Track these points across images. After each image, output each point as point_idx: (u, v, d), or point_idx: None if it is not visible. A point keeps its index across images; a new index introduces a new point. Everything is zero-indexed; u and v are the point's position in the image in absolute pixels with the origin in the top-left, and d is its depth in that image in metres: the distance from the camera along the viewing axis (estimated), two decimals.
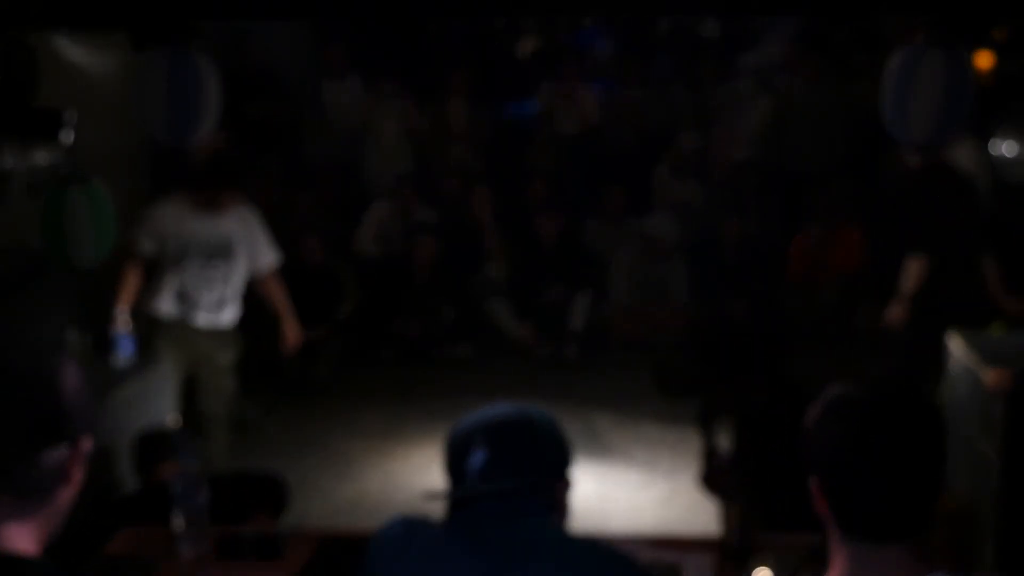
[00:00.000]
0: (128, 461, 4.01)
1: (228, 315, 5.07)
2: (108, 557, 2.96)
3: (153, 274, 5.03)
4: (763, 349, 3.34)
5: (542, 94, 8.68)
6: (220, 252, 5.01)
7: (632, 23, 9.44)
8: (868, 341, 6.17)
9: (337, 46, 8.41)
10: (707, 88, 8.63)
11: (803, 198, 7.66)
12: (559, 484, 1.99)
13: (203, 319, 5.01)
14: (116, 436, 4.24)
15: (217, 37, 7.02)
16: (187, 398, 5.09)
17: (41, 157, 3.97)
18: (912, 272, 5.14)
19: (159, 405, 4.76)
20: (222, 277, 5.03)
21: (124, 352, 4.64)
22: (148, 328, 4.95)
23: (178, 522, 2.93)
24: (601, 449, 5.99)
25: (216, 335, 5.07)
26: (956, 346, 4.42)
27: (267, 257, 5.21)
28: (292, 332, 5.33)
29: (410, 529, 1.99)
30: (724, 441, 3.40)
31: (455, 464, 1.94)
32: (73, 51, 5.47)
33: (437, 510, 2.01)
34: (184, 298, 4.99)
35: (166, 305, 4.98)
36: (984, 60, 5.26)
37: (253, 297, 6.64)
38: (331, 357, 7.09)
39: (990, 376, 4.01)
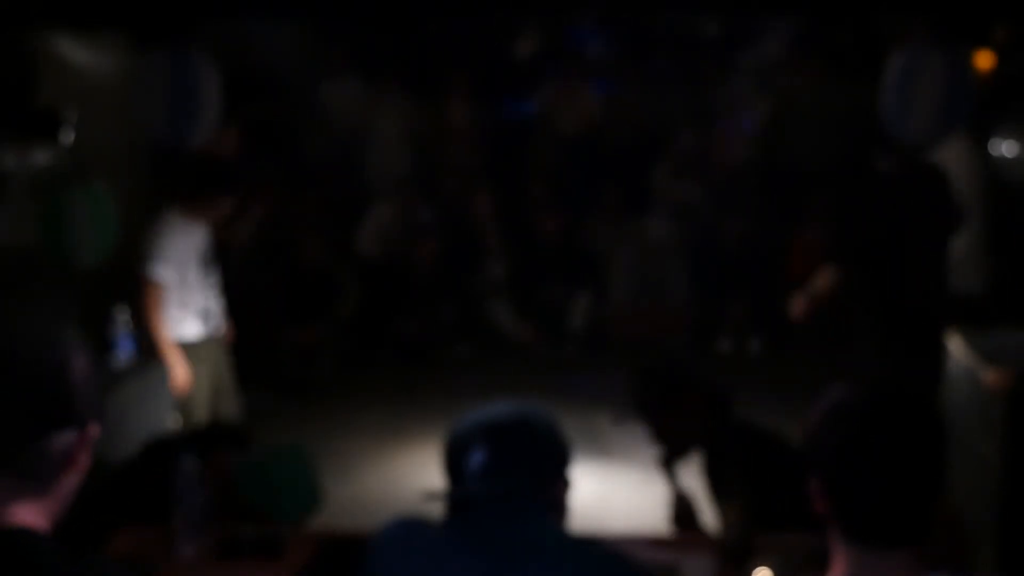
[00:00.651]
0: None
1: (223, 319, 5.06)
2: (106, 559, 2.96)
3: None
4: (703, 392, 3.33)
5: (542, 94, 8.68)
6: (210, 259, 4.95)
7: (631, 23, 9.44)
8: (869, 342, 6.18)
9: (337, 51, 8.42)
10: (707, 88, 8.63)
11: (803, 198, 7.66)
12: (558, 484, 1.99)
13: (216, 329, 4.99)
14: (116, 436, 4.24)
15: (217, 38, 7.02)
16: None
17: (41, 157, 3.98)
18: (825, 276, 5.07)
19: (159, 405, 4.75)
20: (215, 283, 5.00)
21: (124, 352, 4.64)
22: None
23: (178, 522, 2.93)
24: (601, 449, 5.99)
25: (221, 341, 5.06)
26: (956, 346, 4.42)
27: None
28: None
29: (410, 529, 1.99)
30: (687, 480, 3.43)
31: (454, 464, 1.94)
32: (73, 51, 5.47)
33: (437, 510, 2.02)
34: (205, 314, 4.91)
35: (193, 328, 4.85)
36: (984, 60, 5.27)
37: (253, 297, 6.66)
38: (331, 357, 7.09)
39: (990, 376, 4.01)
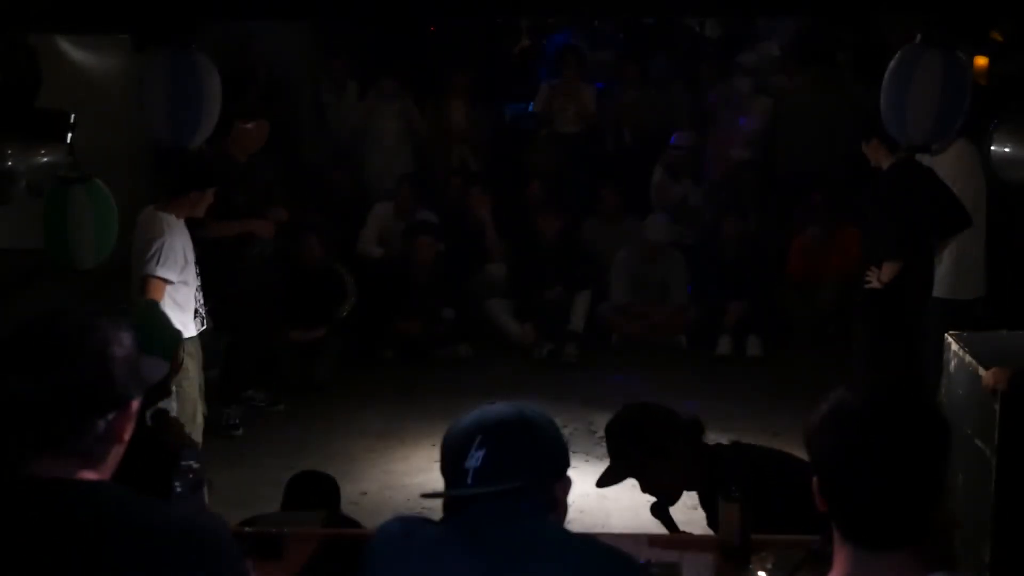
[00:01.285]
0: None
1: None
2: None
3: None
4: (681, 442, 3.32)
5: (541, 93, 8.69)
6: (194, 256, 5.01)
7: (631, 23, 9.45)
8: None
9: (337, 52, 8.43)
10: (706, 88, 8.64)
11: (803, 198, 7.67)
12: (557, 483, 1.99)
13: (202, 325, 5.05)
14: None
15: (218, 38, 7.03)
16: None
17: (43, 157, 3.99)
18: (886, 270, 5.27)
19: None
20: (200, 280, 5.06)
21: None
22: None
23: None
24: (601, 449, 5.98)
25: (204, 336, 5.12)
26: (955, 345, 4.42)
27: None
28: None
29: (409, 529, 1.99)
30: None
31: (453, 464, 1.95)
32: (75, 52, 5.48)
33: (437, 510, 2.02)
34: (198, 313, 5.00)
35: (192, 326, 4.94)
36: (982, 61, 5.27)
37: (253, 298, 6.66)
38: (331, 357, 7.10)
39: (987, 375, 4.02)
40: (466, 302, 7.68)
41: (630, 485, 5.58)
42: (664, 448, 3.24)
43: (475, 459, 1.91)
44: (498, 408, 1.99)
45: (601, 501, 5.31)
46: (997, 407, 3.93)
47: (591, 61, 9.02)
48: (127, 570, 1.64)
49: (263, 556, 2.94)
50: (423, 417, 6.23)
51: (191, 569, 1.67)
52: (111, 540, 1.65)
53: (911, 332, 5.32)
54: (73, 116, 3.81)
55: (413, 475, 5.60)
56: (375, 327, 7.46)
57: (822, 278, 7.50)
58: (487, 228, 7.93)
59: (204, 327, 5.10)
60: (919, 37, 3.65)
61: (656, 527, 3.60)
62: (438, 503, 2.01)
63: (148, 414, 3.73)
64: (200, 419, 4.87)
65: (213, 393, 5.61)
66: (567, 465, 2.02)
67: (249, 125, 6.18)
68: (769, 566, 2.75)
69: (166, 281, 4.76)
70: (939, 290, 5.44)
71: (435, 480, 1.99)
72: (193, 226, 5.08)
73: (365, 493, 5.47)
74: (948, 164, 5.35)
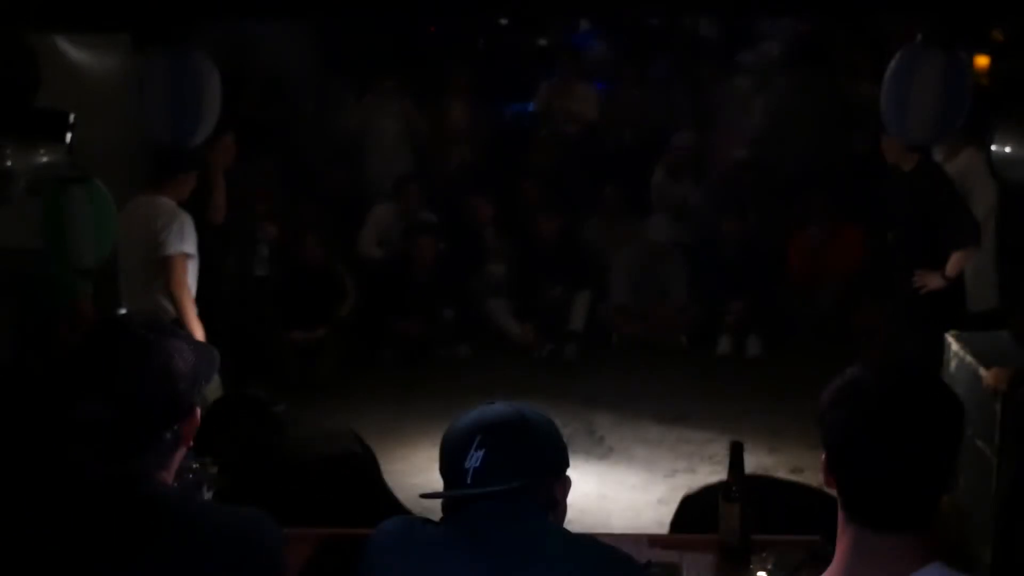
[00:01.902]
0: None
1: None
2: None
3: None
4: None
5: (540, 93, 8.68)
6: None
7: (630, 23, 9.44)
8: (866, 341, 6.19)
9: (337, 52, 8.44)
10: (706, 87, 8.64)
11: (802, 198, 7.66)
12: (557, 483, 1.99)
13: None
14: None
15: (218, 39, 7.03)
16: None
17: (42, 157, 3.98)
18: (957, 259, 5.08)
19: None
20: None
21: None
22: None
23: None
24: (601, 449, 6.00)
25: None
26: (955, 345, 4.43)
27: None
28: None
29: (409, 529, 1.99)
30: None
31: (452, 464, 1.94)
32: (74, 52, 5.47)
33: (437, 510, 2.02)
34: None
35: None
36: (982, 61, 5.27)
37: (255, 299, 6.66)
38: (331, 357, 7.10)
39: (988, 375, 4.02)
40: (466, 302, 7.68)
41: (630, 485, 5.60)
42: None
43: (474, 459, 1.91)
44: (497, 408, 1.99)
45: (601, 501, 5.32)
46: (997, 407, 3.94)
47: (591, 61, 9.02)
48: (182, 566, 1.75)
49: None
50: (423, 417, 6.23)
51: (237, 568, 1.78)
52: (171, 540, 1.76)
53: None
54: (72, 116, 3.80)
55: (413, 475, 5.60)
56: (375, 327, 7.46)
57: (822, 278, 7.50)
58: (487, 228, 7.93)
59: None
60: (919, 37, 3.65)
61: (656, 527, 3.59)
62: (438, 503, 2.01)
63: None
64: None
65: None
66: (567, 465, 2.02)
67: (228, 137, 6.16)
68: (769, 566, 2.74)
69: (189, 256, 4.96)
70: None
71: (435, 480, 1.99)
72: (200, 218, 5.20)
73: None
74: (958, 172, 5.31)
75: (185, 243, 4.92)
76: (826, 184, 7.55)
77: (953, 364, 4.41)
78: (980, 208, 5.31)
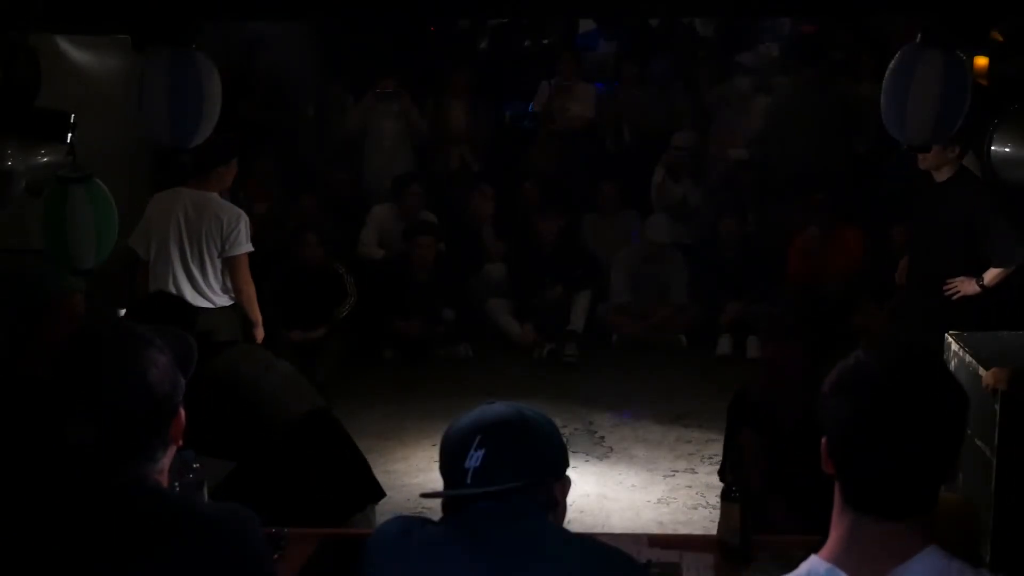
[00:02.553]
0: None
1: None
2: None
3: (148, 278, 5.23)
4: None
5: (541, 93, 8.69)
6: None
7: (630, 23, 9.44)
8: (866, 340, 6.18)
9: (337, 52, 8.44)
10: (705, 87, 8.64)
11: (802, 198, 7.67)
12: (557, 483, 1.99)
13: None
14: None
15: (219, 40, 7.03)
16: None
17: (43, 157, 3.98)
18: (997, 273, 5.02)
19: None
20: None
21: None
22: None
23: None
24: (601, 449, 6.00)
25: None
26: (955, 345, 4.43)
27: None
28: None
29: (409, 529, 1.99)
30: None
31: (452, 464, 1.95)
32: (75, 52, 5.48)
33: (436, 510, 2.02)
34: None
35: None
36: (982, 61, 5.26)
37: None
38: (331, 357, 7.10)
39: (987, 375, 4.02)
40: (466, 302, 7.68)
41: (630, 485, 5.61)
42: None
43: (474, 459, 1.91)
44: (497, 408, 1.99)
45: (601, 501, 5.32)
46: (997, 407, 3.94)
47: (590, 61, 9.03)
48: (175, 558, 1.79)
49: None
50: (423, 417, 6.24)
51: (222, 556, 1.82)
52: (163, 540, 1.80)
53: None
54: (73, 116, 3.80)
55: (413, 475, 5.60)
56: (375, 327, 7.46)
57: (822, 278, 7.50)
58: (487, 228, 7.93)
59: None
60: (919, 37, 3.65)
61: (656, 527, 3.60)
62: (438, 503, 2.01)
63: None
64: None
65: None
66: (567, 465, 2.02)
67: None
68: (769, 566, 2.75)
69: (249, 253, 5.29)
70: None
71: (435, 480, 1.99)
72: None
73: None
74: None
75: (249, 241, 5.26)
76: (826, 184, 7.54)
77: (952, 364, 4.41)
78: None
